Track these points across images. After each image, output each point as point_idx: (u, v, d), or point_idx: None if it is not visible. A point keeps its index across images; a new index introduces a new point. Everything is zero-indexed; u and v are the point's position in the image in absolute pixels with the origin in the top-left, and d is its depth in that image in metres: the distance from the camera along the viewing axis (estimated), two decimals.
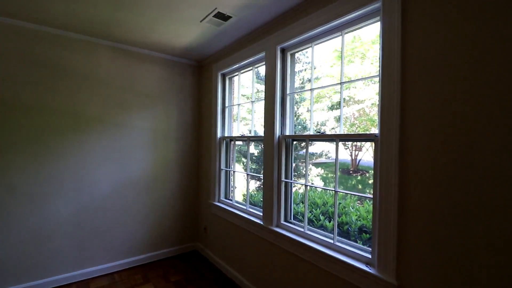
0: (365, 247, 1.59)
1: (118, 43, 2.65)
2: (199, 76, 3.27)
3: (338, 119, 5.36)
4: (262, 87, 3.58)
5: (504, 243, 1.00)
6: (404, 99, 1.31)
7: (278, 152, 2.10)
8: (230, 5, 1.88)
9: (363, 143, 3.94)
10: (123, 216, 2.75)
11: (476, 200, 1.07)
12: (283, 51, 2.10)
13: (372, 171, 1.48)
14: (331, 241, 1.71)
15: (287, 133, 2.11)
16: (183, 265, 2.86)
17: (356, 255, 1.56)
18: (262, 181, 2.20)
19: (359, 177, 5.27)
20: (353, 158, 6.49)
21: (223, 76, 2.92)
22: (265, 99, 2.18)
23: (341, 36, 1.73)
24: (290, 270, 1.93)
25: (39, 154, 2.31)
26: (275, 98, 2.09)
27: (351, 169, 5.68)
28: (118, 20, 2.16)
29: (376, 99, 3.26)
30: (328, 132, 3.31)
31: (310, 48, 1.95)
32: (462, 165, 1.11)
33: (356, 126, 4.94)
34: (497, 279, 1.02)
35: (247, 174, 2.63)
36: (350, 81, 2.12)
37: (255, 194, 4.05)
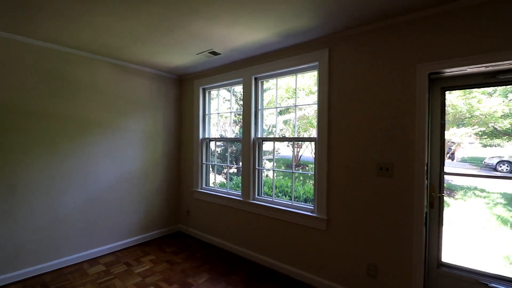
0: (309, 205, 2.67)
1: (117, 60, 3.18)
2: (181, 88, 3.96)
3: (285, 123, 6.60)
4: (234, 100, 4.44)
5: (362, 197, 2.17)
6: (329, 116, 2.41)
7: (253, 148, 3.04)
8: (222, 48, 2.72)
9: (302, 142, 5.14)
10: (121, 205, 3.29)
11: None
12: (256, 79, 3.05)
13: (309, 165, 2.56)
14: (290, 203, 2.75)
15: (259, 136, 3.07)
16: (173, 241, 3.56)
17: (305, 209, 2.63)
18: (242, 168, 3.11)
19: (300, 170, 6.55)
20: (295, 154, 7.93)
21: (204, 90, 3.71)
22: (243, 111, 3.09)
23: (295, 75, 2.78)
24: (263, 227, 2.91)
25: (52, 155, 2.72)
26: (250, 111, 3.02)
27: (294, 163, 7.02)
28: (129, 48, 2.77)
29: (313, 107, 4.44)
30: (287, 135, 4.38)
31: (275, 79, 2.96)
32: (352, 152, 2.26)
33: (298, 127, 6.23)
34: (358, 207, 2.18)
35: (228, 166, 3.49)
36: (302, 105, 3.19)
37: (223, 182, 4.90)
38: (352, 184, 2.28)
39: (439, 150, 2.04)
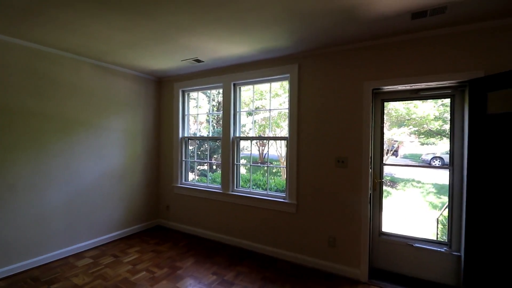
0: (281, 193, 3.17)
1: (101, 62, 3.29)
2: (160, 89, 4.15)
3: (252, 123, 7.06)
4: (207, 101, 4.74)
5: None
6: (299, 118, 2.93)
7: (232, 146, 3.44)
8: (206, 57, 3.06)
9: (265, 141, 5.62)
10: (103, 201, 3.41)
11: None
12: (235, 85, 3.45)
13: (274, 162, 3.06)
14: (265, 193, 3.22)
15: (237, 135, 3.48)
16: (155, 234, 3.78)
17: (278, 197, 3.12)
18: (221, 163, 3.48)
19: (265, 167, 7.08)
20: (260, 152, 8.47)
21: (183, 92, 3.97)
22: (223, 113, 3.46)
23: (269, 83, 3.25)
24: (241, 215, 3.33)
25: (37, 153, 2.78)
26: (230, 113, 3.41)
27: (259, 160, 7.57)
28: (116, 52, 2.94)
29: (279, 110, 4.97)
30: (268, 135, 4.82)
31: (252, 85, 3.39)
32: (316, 148, 2.81)
33: (264, 126, 6.77)
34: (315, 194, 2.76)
35: (208, 163, 3.83)
36: (277, 109, 3.68)
37: (201, 178, 5.18)
38: (316, 174, 2.83)
39: (380, 147, 2.69)
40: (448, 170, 2.49)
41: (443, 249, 2.45)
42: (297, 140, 2.94)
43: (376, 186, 2.71)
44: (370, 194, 2.63)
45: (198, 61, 3.19)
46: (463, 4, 1.84)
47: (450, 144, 2.46)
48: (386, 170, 3.48)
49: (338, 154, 2.72)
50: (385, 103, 2.74)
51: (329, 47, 2.71)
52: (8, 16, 2.13)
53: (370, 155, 2.57)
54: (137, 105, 3.82)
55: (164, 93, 4.14)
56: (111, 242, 3.44)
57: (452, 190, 2.44)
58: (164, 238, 3.64)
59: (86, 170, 3.23)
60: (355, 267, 2.64)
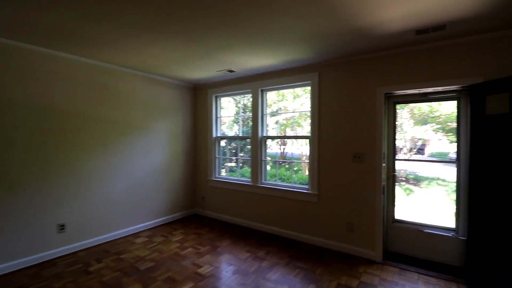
0: (304, 185, 3.61)
1: (150, 74, 3.92)
2: (195, 95, 4.74)
3: (276, 122, 7.49)
4: (235, 105, 5.27)
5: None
6: (319, 119, 3.35)
7: (260, 144, 3.93)
8: (238, 67, 3.56)
9: (286, 140, 6.02)
10: (152, 191, 4.06)
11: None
12: (262, 91, 3.93)
13: (295, 160, 3.49)
14: (290, 185, 3.67)
15: (264, 134, 3.96)
16: (193, 220, 4.38)
17: (301, 188, 3.57)
18: (251, 159, 3.98)
19: (287, 165, 7.50)
20: (282, 151, 8.91)
21: (216, 97, 4.53)
22: (252, 115, 3.96)
23: (292, 89, 3.70)
24: (269, 204, 3.82)
25: (104, 152, 3.45)
26: (257, 115, 3.90)
27: (281, 158, 7.99)
28: (164, 67, 3.53)
29: (299, 111, 5.32)
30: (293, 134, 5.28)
31: (277, 91, 3.86)
32: (335, 145, 3.22)
33: (285, 126, 7.17)
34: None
35: (236, 159, 4.35)
36: (300, 111, 4.12)
37: (232, 173, 5.74)
38: (335, 168, 3.24)
39: (392, 144, 3.05)
40: (455, 165, 2.79)
41: (450, 234, 2.77)
42: (318, 138, 3.36)
43: (389, 178, 3.07)
44: (384, 185, 2.99)
45: (230, 71, 3.70)
46: (461, 22, 2.17)
47: (457, 141, 2.76)
48: (410, 168, 3.88)
49: (354, 150, 3.11)
50: (397, 105, 3.08)
51: (345, 57, 3.10)
52: (82, 43, 2.76)
53: (383, 151, 2.94)
54: (177, 110, 4.43)
55: (198, 98, 4.72)
56: (159, 226, 4.08)
57: (459, 182, 2.75)
58: (201, 224, 4.23)
59: (139, 166, 3.87)
60: (370, 249, 3.02)
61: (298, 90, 6.55)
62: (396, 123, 3.09)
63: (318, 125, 3.36)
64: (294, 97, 7.17)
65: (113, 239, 3.54)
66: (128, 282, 2.52)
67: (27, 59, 2.77)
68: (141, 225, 3.89)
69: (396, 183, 3.12)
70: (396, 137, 3.09)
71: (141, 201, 3.90)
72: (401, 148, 3.66)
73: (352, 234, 3.14)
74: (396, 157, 3.10)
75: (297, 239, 3.56)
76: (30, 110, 2.80)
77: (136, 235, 3.72)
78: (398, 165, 3.16)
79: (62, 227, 3.05)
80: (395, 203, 3.09)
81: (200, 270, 2.75)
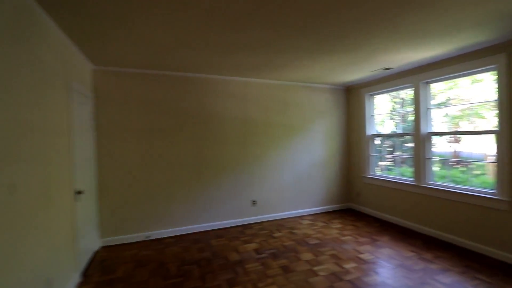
0: (488, 189, 3.04)
1: (307, 83, 4.65)
2: (347, 96, 5.05)
3: (445, 115, 6.40)
4: (390, 100, 5.09)
5: None
6: (511, 111, 2.74)
7: (423, 142, 3.67)
8: (395, 64, 3.53)
9: (458, 136, 4.98)
10: (312, 182, 4.76)
11: None
12: (426, 83, 3.65)
13: (473, 162, 2.92)
14: (467, 187, 3.21)
15: (429, 130, 3.65)
16: (349, 214, 4.71)
17: (485, 193, 3.03)
18: (414, 157, 3.79)
19: (463, 167, 6.18)
20: (454, 150, 7.31)
21: (369, 96, 4.62)
22: (415, 111, 3.76)
23: (464, 78, 3.21)
24: (435, 207, 3.49)
25: (278, 148, 4.47)
26: (419, 110, 3.66)
27: (452, 158, 6.60)
28: (320, 76, 4.09)
29: (480, 99, 4.33)
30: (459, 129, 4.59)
31: (442, 82, 3.46)
32: None
33: (459, 119, 5.90)
34: None
35: (397, 157, 4.26)
36: (478, 103, 3.50)
37: (387, 171, 5.61)
38: None
39: None
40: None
41: None
42: (510, 132, 2.76)
43: None
44: None
45: (387, 69, 3.72)
46: None
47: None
48: None
49: None
50: None
51: None
52: (266, 70, 3.74)
53: None
54: (331, 111, 4.91)
55: (350, 99, 4.98)
56: (318, 214, 4.72)
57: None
58: (357, 218, 4.47)
59: (302, 160, 4.67)
60: None
61: (477, 75, 5.29)
62: None
63: (510, 116, 2.75)
64: (472, 82, 5.84)
65: (284, 217, 4.51)
66: (301, 250, 3.25)
67: (228, 85, 4.15)
68: (304, 210, 4.68)
69: None
70: None
71: (303, 189, 4.69)
72: None
73: None
74: None
75: (474, 249, 3.07)
76: (233, 120, 4.18)
77: (301, 218, 4.53)
78: None
79: (254, 202, 4.31)
80: None
81: (361, 256, 3.06)
